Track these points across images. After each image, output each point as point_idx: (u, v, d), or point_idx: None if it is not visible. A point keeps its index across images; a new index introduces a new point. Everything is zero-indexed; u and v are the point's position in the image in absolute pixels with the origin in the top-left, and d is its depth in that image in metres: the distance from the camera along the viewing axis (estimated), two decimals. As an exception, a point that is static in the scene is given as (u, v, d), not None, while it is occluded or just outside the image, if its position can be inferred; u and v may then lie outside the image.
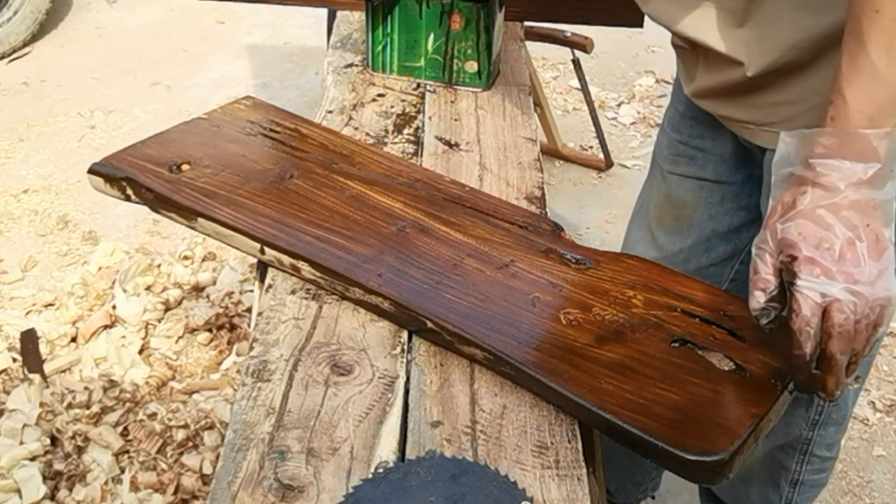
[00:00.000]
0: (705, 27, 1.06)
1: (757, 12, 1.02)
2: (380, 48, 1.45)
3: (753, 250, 0.86)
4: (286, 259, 1.01)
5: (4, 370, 2.09)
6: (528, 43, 1.75)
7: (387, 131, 1.33)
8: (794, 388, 0.84)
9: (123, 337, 2.19)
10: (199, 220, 1.06)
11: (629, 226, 1.47)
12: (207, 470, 1.83)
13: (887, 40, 0.80)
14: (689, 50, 1.15)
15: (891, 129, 0.81)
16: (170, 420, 1.94)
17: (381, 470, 0.75)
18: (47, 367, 2.09)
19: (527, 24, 1.82)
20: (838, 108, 0.82)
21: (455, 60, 1.43)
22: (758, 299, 0.85)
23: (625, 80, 3.65)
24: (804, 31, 0.99)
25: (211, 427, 1.94)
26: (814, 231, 0.80)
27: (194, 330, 2.24)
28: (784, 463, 1.36)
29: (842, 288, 0.78)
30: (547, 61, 3.72)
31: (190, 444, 1.90)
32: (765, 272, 0.84)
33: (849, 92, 0.82)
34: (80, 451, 1.86)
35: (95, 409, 1.93)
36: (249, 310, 2.25)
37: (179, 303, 2.32)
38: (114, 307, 2.26)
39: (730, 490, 1.53)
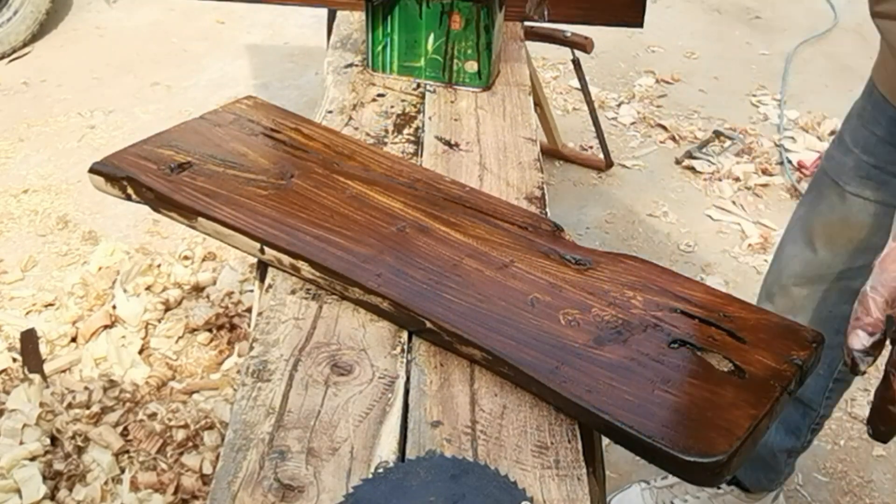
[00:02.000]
0: None
1: None
2: (380, 48, 1.45)
3: (868, 289, 0.83)
4: (286, 259, 1.01)
5: (4, 370, 2.09)
6: (528, 43, 1.75)
7: (387, 131, 1.33)
8: (872, 435, 0.83)
9: (123, 337, 2.19)
10: (200, 219, 1.07)
11: (783, 240, 1.44)
12: (207, 470, 1.84)
13: None
14: None
15: None
16: (170, 420, 1.94)
17: (381, 470, 0.75)
18: (47, 367, 2.09)
19: (527, 24, 1.81)
20: None
21: (455, 60, 1.43)
22: (861, 340, 0.82)
23: (625, 80, 3.65)
24: None
25: (211, 427, 1.94)
26: None
27: (194, 330, 2.24)
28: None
29: None
30: (547, 61, 3.72)
31: (190, 444, 1.91)
32: (876, 315, 0.82)
33: None
34: (80, 451, 1.86)
35: (95, 409, 1.93)
36: (249, 310, 2.25)
37: (179, 303, 2.33)
38: (114, 307, 2.26)
39: None
